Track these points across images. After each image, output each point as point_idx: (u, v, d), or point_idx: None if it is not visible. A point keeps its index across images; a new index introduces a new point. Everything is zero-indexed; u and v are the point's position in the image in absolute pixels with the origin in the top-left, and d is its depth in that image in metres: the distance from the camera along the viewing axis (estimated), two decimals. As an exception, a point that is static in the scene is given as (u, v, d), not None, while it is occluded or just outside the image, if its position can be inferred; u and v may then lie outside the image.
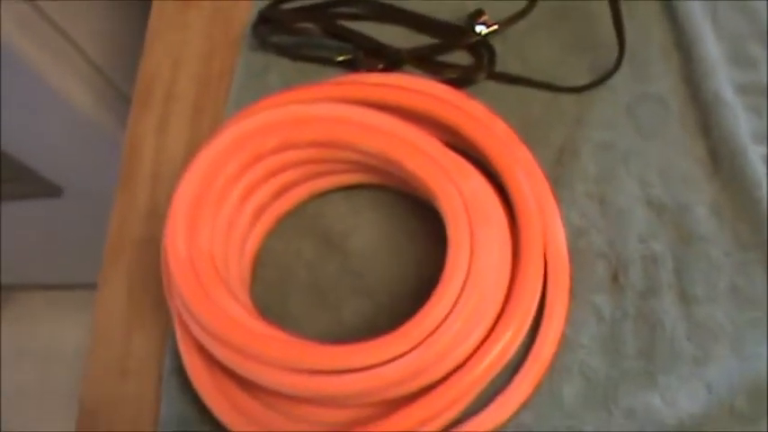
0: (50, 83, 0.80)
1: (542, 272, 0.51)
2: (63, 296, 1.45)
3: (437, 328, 0.46)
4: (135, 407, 0.55)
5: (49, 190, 1.02)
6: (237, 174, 0.52)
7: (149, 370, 0.55)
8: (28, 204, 1.09)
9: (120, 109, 0.89)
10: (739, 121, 0.54)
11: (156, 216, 0.59)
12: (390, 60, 0.59)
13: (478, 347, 0.48)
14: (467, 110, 0.54)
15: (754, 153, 0.53)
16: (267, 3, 0.64)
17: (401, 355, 0.45)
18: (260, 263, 0.56)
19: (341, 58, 0.60)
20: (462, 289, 0.47)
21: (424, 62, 0.59)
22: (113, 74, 0.87)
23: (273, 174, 0.53)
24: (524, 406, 0.49)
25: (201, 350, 0.50)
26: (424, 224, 0.55)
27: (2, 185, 1.02)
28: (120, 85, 0.89)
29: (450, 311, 0.46)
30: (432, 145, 0.51)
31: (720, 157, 0.54)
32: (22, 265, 1.35)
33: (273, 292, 0.55)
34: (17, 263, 1.34)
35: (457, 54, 0.60)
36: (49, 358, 1.44)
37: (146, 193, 0.61)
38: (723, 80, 0.56)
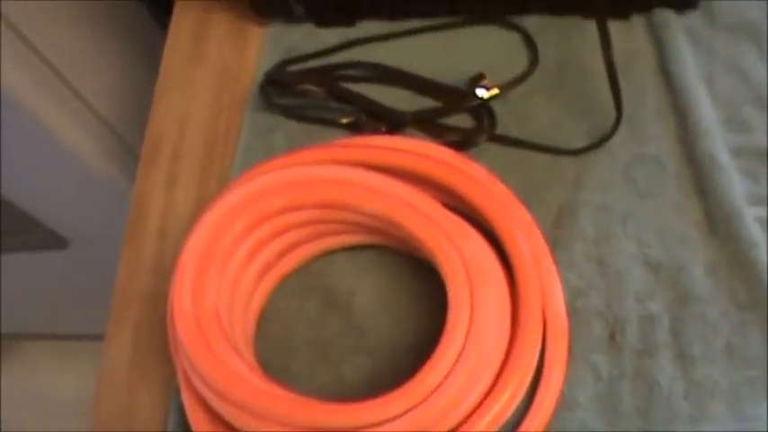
0: (57, 135, 0.81)
1: (541, 331, 0.51)
2: (65, 346, 1.46)
3: (438, 387, 0.47)
4: (140, 464, 0.56)
5: (54, 242, 1.03)
6: (244, 233, 0.53)
7: (154, 426, 0.56)
8: (32, 255, 1.10)
9: (126, 161, 0.91)
10: (734, 183, 0.55)
11: (163, 272, 0.60)
12: (393, 123, 0.61)
13: (478, 406, 0.49)
14: (467, 172, 0.55)
15: (749, 215, 0.54)
16: (274, 64, 0.65)
17: (402, 414, 0.46)
18: (264, 319, 0.57)
19: (345, 121, 0.62)
20: (462, 348, 0.47)
21: (427, 125, 0.61)
22: (121, 128, 0.88)
23: (279, 233, 0.54)
24: (523, 466, 0.50)
25: (206, 407, 0.50)
26: (425, 284, 0.56)
27: (5, 236, 1.03)
28: (127, 138, 0.90)
29: (451, 371, 0.47)
30: (432, 207, 0.52)
31: (716, 218, 0.55)
32: (23, 314, 1.36)
33: (276, 348, 0.56)
34: (19, 312, 1.34)
35: (458, 117, 0.62)
36: (49, 408, 1.43)
37: (153, 248, 0.62)
38: (718, 143, 0.57)
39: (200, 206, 0.61)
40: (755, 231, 0.54)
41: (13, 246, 1.07)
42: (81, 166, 0.85)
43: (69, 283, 1.16)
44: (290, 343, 0.56)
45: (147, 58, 0.80)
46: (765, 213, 0.55)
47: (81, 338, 1.40)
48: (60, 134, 0.82)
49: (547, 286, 0.53)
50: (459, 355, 0.47)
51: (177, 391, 0.54)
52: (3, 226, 0.99)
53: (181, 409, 0.54)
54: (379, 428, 0.46)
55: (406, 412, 0.46)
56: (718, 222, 0.55)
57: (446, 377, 0.47)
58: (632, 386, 0.51)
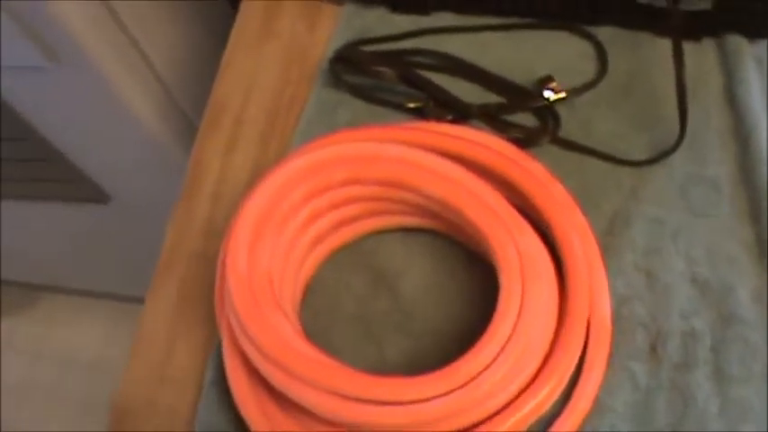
0: (117, 91, 0.82)
1: (585, 333, 0.52)
2: (86, 303, 1.46)
3: (480, 372, 0.47)
4: (170, 414, 0.56)
5: (96, 196, 1.04)
6: (303, 201, 0.54)
7: (188, 381, 0.57)
8: (71, 207, 1.11)
9: (181, 131, 0.91)
10: (789, 212, 0.56)
11: (213, 234, 0.61)
12: (459, 113, 0.61)
13: (516, 398, 0.49)
14: (529, 169, 0.55)
15: (801, 245, 0.55)
16: (346, 43, 0.66)
17: (442, 395, 0.47)
18: (310, 290, 0.58)
19: (411, 105, 0.62)
20: (509, 338, 0.48)
21: (492, 119, 0.61)
22: (180, 93, 0.89)
23: (337, 206, 0.55)
24: (555, 461, 0.50)
25: (247, 366, 0.51)
26: (473, 274, 0.57)
27: (50, 184, 1.04)
28: (184, 108, 0.90)
29: (495, 359, 0.48)
30: (493, 197, 0.53)
31: (767, 244, 0.55)
32: (51, 266, 1.37)
33: (320, 319, 0.57)
34: (46, 264, 1.35)
35: (523, 115, 0.62)
36: (63, 363, 1.44)
37: (205, 210, 0.62)
38: (778, 171, 0.57)
39: (257, 173, 0.62)
40: (806, 262, 0.54)
41: (55, 194, 1.07)
42: (135, 125, 0.86)
43: (103, 240, 1.17)
44: (334, 316, 0.57)
45: (216, 30, 0.80)
46: (816, 245, 0.56)
47: (103, 297, 1.41)
48: (118, 90, 0.82)
49: (595, 290, 0.53)
50: (505, 344, 0.48)
51: (216, 350, 0.56)
52: (49, 174, 1.00)
53: (218, 368, 0.55)
54: (419, 406, 0.47)
55: (446, 394, 0.47)
56: (768, 250, 0.55)
57: (490, 364, 0.47)
58: (668, 398, 0.52)
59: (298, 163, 0.54)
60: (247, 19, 0.72)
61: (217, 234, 0.59)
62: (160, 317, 0.60)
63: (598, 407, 0.51)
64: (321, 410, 0.48)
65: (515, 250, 0.51)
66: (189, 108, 0.91)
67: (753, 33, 0.63)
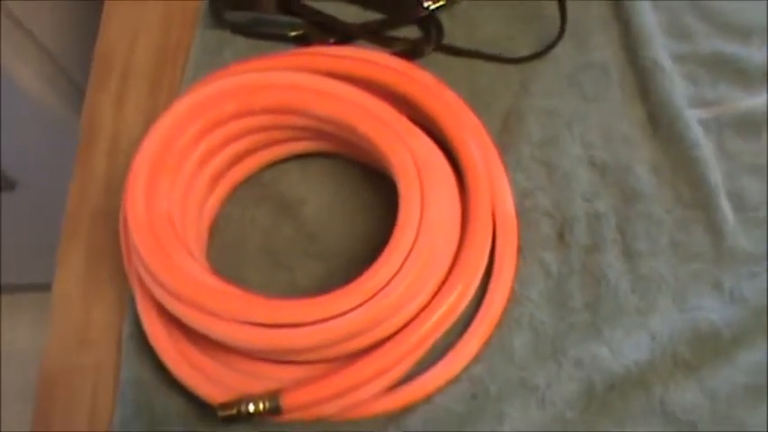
0: (3, 69, 0.80)
1: (491, 230, 0.53)
2: (11, 300, 1.43)
3: (389, 282, 0.47)
4: (94, 375, 0.55)
5: (3, 184, 1.01)
6: (196, 139, 0.53)
7: (109, 339, 0.56)
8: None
9: (70, 96, 0.89)
10: (676, 86, 0.57)
11: (113, 190, 0.60)
12: (342, 34, 0.61)
13: (429, 302, 0.50)
14: (417, 79, 0.55)
15: (691, 116, 0.56)
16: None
17: (353, 309, 0.47)
18: (216, 228, 0.57)
19: (294, 34, 0.62)
20: (413, 244, 0.48)
21: (375, 36, 0.61)
22: (67, 62, 0.87)
23: (230, 140, 0.55)
24: (476, 359, 0.51)
25: (160, 312, 0.51)
26: (375, 192, 0.57)
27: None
28: (73, 74, 0.89)
29: (402, 266, 0.48)
30: (383, 109, 0.53)
31: (659, 119, 0.56)
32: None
33: (229, 256, 0.56)
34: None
35: (406, 29, 0.62)
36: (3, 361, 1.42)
37: (103, 167, 0.61)
38: (660, 49, 0.58)
39: (151, 123, 0.61)
40: (697, 132, 0.55)
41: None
42: (27, 102, 0.84)
43: (17, 229, 1.14)
44: (242, 251, 0.57)
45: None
46: (707, 115, 0.56)
47: (29, 289, 1.38)
48: (6, 69, 0.80)
49: (496, 187, 0.54)
50: (410, 250, 0.48)
51: (131, 303, 0.55)
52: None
53: (135, 321, 0.54)
54: (329, 324, 0.47)
55: (355, 308, 0.47)
56: (661, 124, 0.56)
57: (397, 272, 0.47)
58: (581, 282, 0.53)
59: (186, 102, 0.53)
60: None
61: (117, 190, 0.58)
62: (72, 281, 0.58)
63: (514, 299, 0.52)
64: (236, 342, 0.48)
65: (410, 156, 0.50)
66: (81, 78, 0.89)
67: None
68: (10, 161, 0.98)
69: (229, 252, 0.57)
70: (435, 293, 0.50)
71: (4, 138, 0.90)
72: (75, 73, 0.89)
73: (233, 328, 0.47)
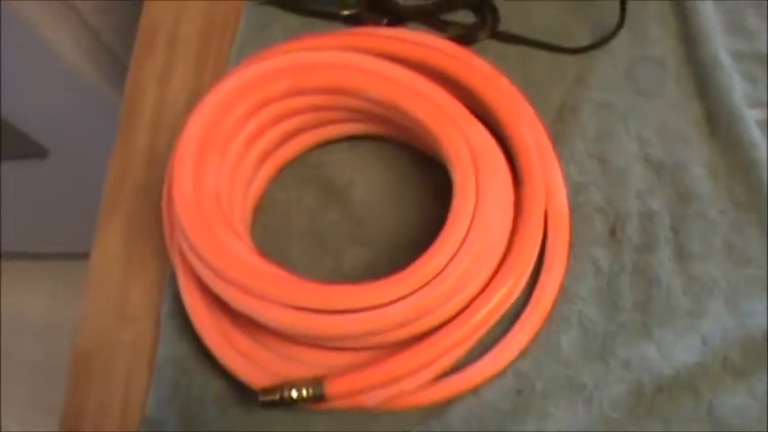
0: (44, 38, 0.79)
1: (543, 224, 0.52)
2: (30, 267, 1.43)
3: (441, 270, 0.46)
4: (131, 351, 0.55)
5: (34, 150, 1.01)
6: (245, 117, 0.52)
7: (147, 315, 0.56)
8: (8, 166, 1.07)
9: (113, 74, 0.89)
10: (735, 84, 0.55)
11: (156, 164, 0.59)
12: (395, 15, 0.60)
13: (480, 293, 0.49)
14: (472, 65, 0.54)
15: (749, 117, 0.54)
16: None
17: (404, 297, 0.46)
18: (261, 209, 0.57)
19: (345, 12, 0.61)
20: (467, 233, 0.47)
21: (429, 19, 0.60)
22: (106, 35, 0.86)
23: (280, 119, 0.54)
24: (523, 354, 0.50)
25: (203, 290, 0.50)
26: (425, 177, 0.56)
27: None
28: (116, 50, 0.88)
29: (455, 255, 0.47)
30: (437, 93, 0.51)
31: (717, 118, 0.55)
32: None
33: (274, 238, 0.56)
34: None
35: (460, 13, 0.61)
36: (14, 330, 1.41)
37: (146, 140, 0.61)
38: (720, 45, 0.57)
39: (195, 98, 0.60)
40: (755, 133, 0.54)
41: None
42: (65, 71, 0.83)
43: (45, 198, 1.14)
44: (288, 233, 0.56)
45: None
46: (764, 116, 0.55)
47: (47, 257, 1.37)
48: (44, 37, 0.80)
49: (549, 180, 0.53)
50: (464, 239, 0.47)
51: (171, 281, 0.54)
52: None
53: (175, 298, 0.53)
54: (380, 311, 0.46)
55: (407, 296, 0.46)
56: (719, 122, 0.55)
57: (450, 261, 0.47)
58: (632, 281, 0.52)
59: (236, 78, 0.52)
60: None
61: (160, 163, 0.57)
62: (110, 256, 0.58)
63: (564, 295, 0.51)
64: (280, 325, 0.47)
65: (466, 145, 0.49)
66: (120, 50, 0.88)
67: None
68: (42, 129, 0.97)
69: (274, 234, 0.56)
70: (486, 285, 0.49)
71: (39, 106, 0.89)
72: (114, 45, 0.88)
73: (279, 312, 0.47)
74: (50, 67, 0.83)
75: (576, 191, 0.54)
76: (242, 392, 0.51)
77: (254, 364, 0.49)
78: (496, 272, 0.49)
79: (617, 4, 0.57)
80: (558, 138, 0.55)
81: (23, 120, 0.94)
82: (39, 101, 0.89)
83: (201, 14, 0.65)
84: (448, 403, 0.49)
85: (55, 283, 1.39)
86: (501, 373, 0.50)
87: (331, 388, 0.47)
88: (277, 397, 0.47)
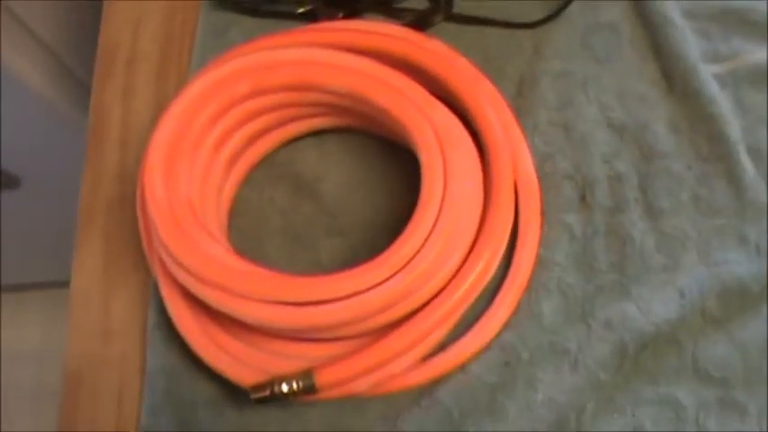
0: (5, 65, 0.79)
1: (513, 196, 0.52)
2: (16, 298, 1.42)
3: (417, 252, 0.47)
4: (120, 366, 0.55)
5: (6, 181, 1.00)
6: (211, 121, 0.52)
7: (132, 329, 0.56)
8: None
9: (78, 95, 0.89)
10: (689, 41, 0.56)
11: (127, 179, 0.60)
12: (350, 8, 0.60)
13: (458, 271, 0.49)
14: (429, 48, 0.55)
15: (705, 71, 0.55)
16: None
17: (382, 282, 0.46)
18: (235, 212, 0.57)
19: (301, 10, 0.61)
20: (439, 213, 0.48)
21: (383, 8, 0.61)
22: (64, 54, 0.86)
23: (245, 121, 0.54)
24: (506, 326, 0.51)
25: (186, 297, 0.51)
26: (393, 164, 0.57)
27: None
28: (74, 69, 0.88)
29: (429, 236, 0.47)
30: (399, 80, 0.52)
31: (673, 76, 0.56)
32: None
33: (250, 239, 0.56)
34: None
35: (414, -1, 0.62)
36: (7, 360, 1.41)
37: (115, 157, 0.61)
38: (671, 5, 0.58)
39: (160, 111, 0.60)
40: (713, 87, 0.55)
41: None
42: (30, 97, 0.83)
43: (21, 227, 1.13)
44: (263, 233, 0.56)
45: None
46: (721, 69, 0.56)
47: (31, 288, 1.37)
48: (5, 65, 0.80)
49: (515, 152, 0.53)
50: (436, 221, 0.48)
51: (154, 292, 0.55)
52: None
53: (159, 309, 0.54)
54: (360, 298, 0.46)
55: (385, 281, 0.46)
56: (675, 80, 0.56)
57: (425, 242, 0.47)
58: (605, 242, 0.52)
59: (199, 84, 0.53)
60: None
61: (131, 178, 0.58)
62: (90, 273, 0.58)
63: (541, 264, 0.52)
64: (264, 322, 0.48)
65: (430, 126, 0.50)
66: (82, 71, 0.88)
67: None
68: (13, 159, 0.97)
69: (250, 235, 0.56)
70: (463, 262, 0.50)
71: (7, 135, 0.89)
72: (76, 68, 0.88)
73: (261, 309, 0.47)
74: (15, 96, 0.83)
75: (542, 160, 0.55)
76: (234, 394, 0.51)
77: (242, 363, 0.50)
78: (472, 248, 0.50)
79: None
80: (520, 111, 0.56)
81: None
82: (4, 130, 0.89)
83: (158, 28, 0.65)
84: (436, 383, 0.50)
85: (45, 311, 1.39)
86: (486, 348, 0.50)
87: (321, 378, 0.47)
88: (268, 393, 0.48)
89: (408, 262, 0.47)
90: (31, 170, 1.00)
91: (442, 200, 0.48)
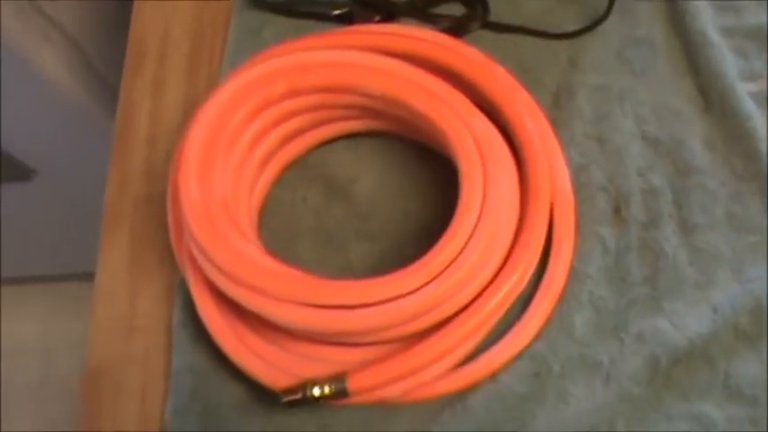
0: (28, 57, 0.79)
1: (549, 207, 0.52)
2: (21, 291, 1.42)
3: (454, 260, 0.47)
4: (143, 363, 0.55)
5: (20, 173, 1.00)
6: (246, 121, 0.52)
7: (156, 326, 0.55)
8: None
9: (98, 90, 0.88)
10: (726, 58, 0.57)
11: (155, 176, 0.59)
12: (386, 12, 0.60)
13: (492, 280, 0.49)
14: (466, 55, 0.55)
15: (742, 89, 0.55)
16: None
17: (418, 289, 0.46)
18: (266, 211, 0.57)
19: (337, 12, 0.61)
20: (477, 222, 0.48)
21: (420, 13, 0.61)
22: (89, 49, 0.86)
23: (280, 122, 0.54)
24: (537, 337, 0.51)
25: (216, 296, 0.50)
26: (426, 170, 0.57)
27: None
28: (95, 63, 0.87)
29: (466, 244, 0.47)
30: (438, 85, 0.52)
31: (710, 93, 0.56)
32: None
33: (281, 239, 0.56)
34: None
35: (450, 5, 0.62)
36: (10, 356, 1.41)
37: (143, 153, 0.61)
38: (708, 22, 0.58)
39: (189, 109, 0.60)
40: (749, 105, 0.55)
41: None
42: (50, 89, 0.83)
43: (34, 219, 1.13)
44: (294, 233, 0.56)
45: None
46: (757, 88, 0.56)
47: (38, 280, 1.36)
48: (29, 57, 0.79)
49: (552, 163, 0.53)
50: (474, 229, 0.47)
51: (180, 290, 0.54)
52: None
53: (185, 307, 0.54)
54: (395, 304, 0.46)
55: (421, 287, 0.46)
56: (712, 98, 0.56)
57: (462, 250, 0.47)
58: (639, 256, 0.52)
59: (234, 83, 0.53)
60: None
61: (159, 175, 0.58)
62: (116, 269, 0.58)
63: (574, 276, 0.52)
64: (297, 324, 0.48)
65: (470, 135, 0.50)
66: (104, 67, 0.88)
67: None
68: (28, 150, 0.96)
69: (281, 235, 0.56)
70: (498, 272, 0.49)
71: (23, 125, 0.88)
72: (99, 64, 0.88)
73: (295, 311, 0.47)
74: (34, 87, 0.82)
75: (577, 172, 0.55)
76: (260, 395, 0.51)
77: (272, 365, 0.49)
78: (507, 258, 0.50)
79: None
80: (556, 122, 0.56)
81: (8, 142, 0.94)
82: (23, 121, 0.88)
83: (189, 24, 0.65)
84: (466, 391, 0.50)
85: (49, 305, 1.38)
86: (517, 358, 0.50)
87: (353, 383, 0.47)
88: (300, 396, 0.47)
89: (445, 269, 0.47)
90: (46, 163, 1.00)
91: (481, 209, 0.48)
